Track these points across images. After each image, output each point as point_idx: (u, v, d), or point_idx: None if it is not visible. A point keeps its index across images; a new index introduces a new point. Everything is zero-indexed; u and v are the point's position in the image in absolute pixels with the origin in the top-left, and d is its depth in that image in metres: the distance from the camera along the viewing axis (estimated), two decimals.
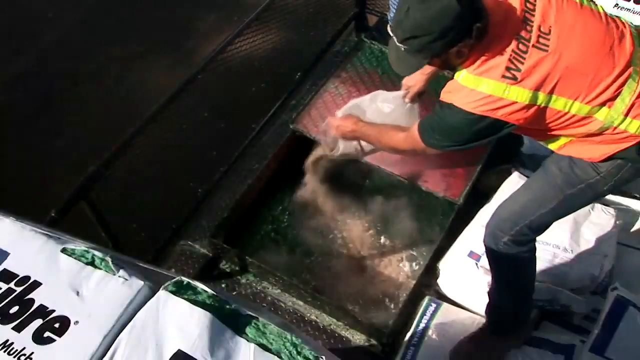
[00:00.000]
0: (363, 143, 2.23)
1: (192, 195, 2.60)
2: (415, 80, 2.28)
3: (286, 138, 2.74)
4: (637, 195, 2.52)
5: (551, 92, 1.53)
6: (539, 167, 2.45)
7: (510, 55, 1.51)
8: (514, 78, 1.50)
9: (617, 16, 1.67)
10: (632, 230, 2.44)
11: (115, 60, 3.84)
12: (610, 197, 2.49)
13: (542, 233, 1.85)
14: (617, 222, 2.30)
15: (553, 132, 1.66)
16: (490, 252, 1.90)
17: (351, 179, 2.67)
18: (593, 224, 2.28)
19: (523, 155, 2.60)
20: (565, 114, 1.56)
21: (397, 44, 1.57)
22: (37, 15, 4.12)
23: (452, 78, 1.64)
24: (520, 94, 1.51)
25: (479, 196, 2.49)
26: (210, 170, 2.67)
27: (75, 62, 3.86)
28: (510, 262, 1.86)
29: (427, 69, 2.21)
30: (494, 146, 2.59)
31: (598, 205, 2.33)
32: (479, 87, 1.53)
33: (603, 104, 1.55)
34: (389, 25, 1.61)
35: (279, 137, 2.78)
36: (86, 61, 3.85)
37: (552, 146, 1.75)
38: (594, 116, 1.57)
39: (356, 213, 2.64)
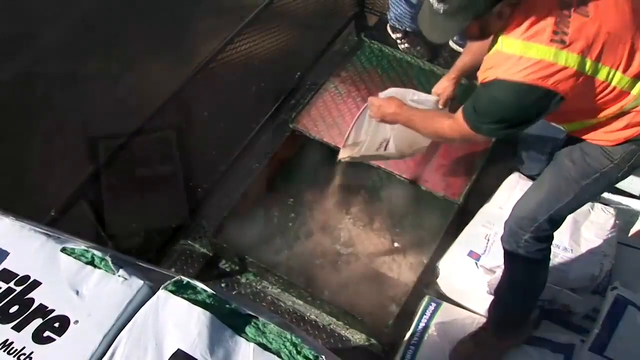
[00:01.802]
0: (390, 145, 2.15)
1: (192, 195, 2.60)
2: (443, 86, 2.24)
3: (286, 137, 2.74)
4: (637, 195, 2.52)
5: (597, 60, 1.49)
6: (538, 166, 2.46)
7: (556, 18, 1.47)
8: (563, 42, 1.45)
9: None
10: (632, 229, 2.44)
11: (115, 60, 3.83)
12: (610, 196, 2.49)
13: (560, 226, 1.85)
14: (617, 222, 2.30)
15: (589, 112, 1.62)
16: (509, 253, 1.89)
17: (351, 179, 2.67)
18: (593, 223, 2.28)
19: (522, 155, 2.59)
20: (607, 85, 1.53)
21: (435, 5, 1.49)
22: (36, 15, 4.11)
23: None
24: (569, 59, 1.46)
25: (479, 196, 2.49)
26: (210, 170, 2.66)
27: (75, 62, 3.85)
28: (528, 262, 1.86)
29: (452, 73, 2.18)
30: (494, 146, 2.60)
31: (598, 205, 2.33)
32: (528, 53, 1.46)
33: (638, 77, 1.54)
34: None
35: (279, 136, 2.78)
36: (86, 61, 3.84)
37: (571, 129, 1.73)
38: (630, 91, 1.55)
39: (356, 213, 2.64)
